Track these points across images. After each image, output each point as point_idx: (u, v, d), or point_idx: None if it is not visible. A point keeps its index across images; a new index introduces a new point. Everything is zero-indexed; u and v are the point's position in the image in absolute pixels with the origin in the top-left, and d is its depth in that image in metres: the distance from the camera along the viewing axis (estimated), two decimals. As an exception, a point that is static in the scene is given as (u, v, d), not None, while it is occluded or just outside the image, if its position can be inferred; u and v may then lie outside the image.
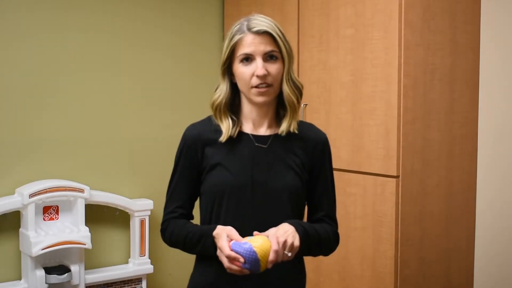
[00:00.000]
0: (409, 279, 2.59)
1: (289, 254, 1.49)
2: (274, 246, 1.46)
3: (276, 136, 1.67)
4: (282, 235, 1.49)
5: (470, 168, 2.82)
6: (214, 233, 1.55)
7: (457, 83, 2.73)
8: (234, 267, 1.47)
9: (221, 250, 1.50)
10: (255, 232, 1.51)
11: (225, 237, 1.50)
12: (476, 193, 2.85)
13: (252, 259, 1.45)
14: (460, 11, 2.72)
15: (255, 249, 1.45)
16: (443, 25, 2.65)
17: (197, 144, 1.67)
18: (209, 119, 1.73)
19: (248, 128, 1.68)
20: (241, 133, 1.67)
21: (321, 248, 1.68)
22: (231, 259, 1.47)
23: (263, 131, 1.68)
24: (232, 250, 1.47)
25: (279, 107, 1.68)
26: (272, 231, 1.51)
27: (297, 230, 1.54)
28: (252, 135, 1.67)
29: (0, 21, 2.97)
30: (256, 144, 1.65)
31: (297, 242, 1.51)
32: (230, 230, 1.53)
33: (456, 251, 2.78)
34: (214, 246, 1.55)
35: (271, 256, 1.45)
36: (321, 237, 1.63)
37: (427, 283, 2.66)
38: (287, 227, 1.53)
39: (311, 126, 1.75)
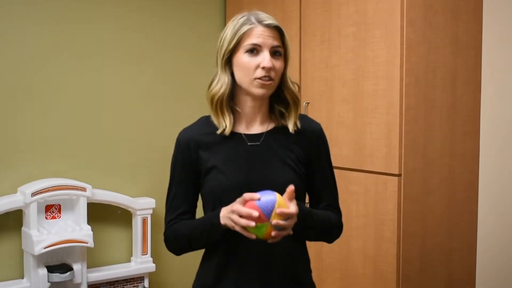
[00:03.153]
0: (411, 277, 2.59)
1: (291, 233, 1.50)
2: (293, 209, 1.46)
3: (268, 132, 1.67)
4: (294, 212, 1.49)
5: (472, 166, 2.82)
6: (221, 214, 1.55)
7: (459, 81, 2.73)
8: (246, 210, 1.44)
9: (234, 210, 1.48)
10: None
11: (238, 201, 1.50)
12: (478, 191, 2.84)
13: (269, 199, 1.44)
14: (462, 9, 2.72)
15: (276, 195, 1.46)
16: (445, 23, 2.65)
17: (191, 147, 1.66)
18: (200, 121, 1.72)
19: (240, 127, 1.67)
20: (233, 134, 1.66)
21: (319, 233, 1.67)
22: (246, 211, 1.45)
23: (255, 128, 1.67)
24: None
25: (273, 103, 1.68)
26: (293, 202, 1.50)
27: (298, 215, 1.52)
28: (245, 134, 1.66)
29: (3, 21, 2.98)
30: (249, 143, 1.65)
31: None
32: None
33: (458, 250, 2.78)
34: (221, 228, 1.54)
35: (287, 210, 1.44)
36: (319, 223, 1.63)
37: (429, 281, 2.66)
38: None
39: (304, 117, 1.74)
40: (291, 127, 1.66)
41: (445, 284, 2.73)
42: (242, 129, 1.67)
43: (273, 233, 1.45)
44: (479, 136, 2.83)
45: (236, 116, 1.67)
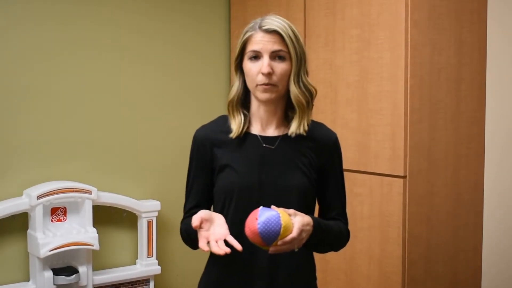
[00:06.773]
0: (417, 279, 2.58)
1: (296, 250, 1.50)
2: (294, 233, 1.45)
3: (284, 136, 1.68)
4: (305, 230, 1.49)
5: (477, 167, 2.81)
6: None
7: (464, 82, 2.73)
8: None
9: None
10: (272, 207, 1.49)
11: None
12: (484, 193, 2.84)
13: (275, 226, 1.42)
14: (467, 10, 2.71)
15: (281, 221, 1.43)
16: (449, 25, 2.64)
17: (206, 145, 1.70)
18: (218, 120, 1.75)
19: (256, 129, 1.69)
20: (249, 134, 1.68)
21: (332, 246, 1.72)
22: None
23: (271, 131, 1.69)
24: (259, 212, 1.45)
25: (288, 108, 1.69)
26: (298, 218, 1.49)
27: (314, 232, 1.54)
28: (260, 136, 1.68)
29: (5, 21, 2.99)
30: (264, 145, 1.66)
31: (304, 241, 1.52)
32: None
33: (464, 251, 2.77)
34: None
35: (288, 238, 1.43)
36: (333, 237, 1.66)
37: (434, 283, 2.65)
38: (309, 223, 1.53)
39: (321, 126, 1.75)
40: (291, 130, 1.65)
41: (450, 286, 2.72)
42: (258, 130, 1.69)
43: (270, 251, 1.47)
44: (484, 137, 2.83)
45: (252, 118, 1.70)
